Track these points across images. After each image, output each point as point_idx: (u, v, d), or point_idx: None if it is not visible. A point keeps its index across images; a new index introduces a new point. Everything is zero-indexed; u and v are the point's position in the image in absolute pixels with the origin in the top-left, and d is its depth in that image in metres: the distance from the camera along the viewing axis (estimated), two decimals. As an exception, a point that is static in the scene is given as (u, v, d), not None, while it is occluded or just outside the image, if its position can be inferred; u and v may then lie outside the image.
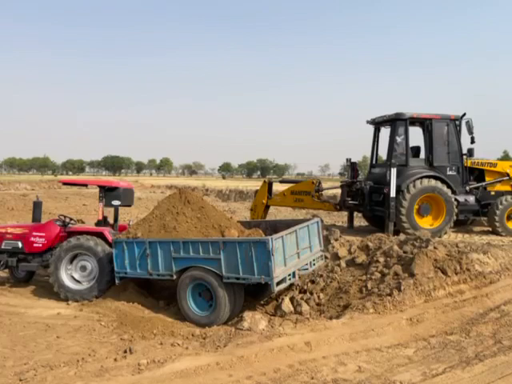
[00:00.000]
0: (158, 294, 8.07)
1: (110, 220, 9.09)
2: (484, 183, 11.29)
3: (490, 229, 11.07)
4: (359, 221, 13.99)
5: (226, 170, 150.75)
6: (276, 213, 19.98)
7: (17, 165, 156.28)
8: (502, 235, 10.60)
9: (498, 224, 10.74)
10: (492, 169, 11.51)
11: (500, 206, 10.71)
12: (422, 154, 11.20)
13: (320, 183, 11.55)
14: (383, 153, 11.83)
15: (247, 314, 6.48)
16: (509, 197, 10.91)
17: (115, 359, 5.27)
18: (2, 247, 8.59)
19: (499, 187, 11.41)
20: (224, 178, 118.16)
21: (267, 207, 12.10)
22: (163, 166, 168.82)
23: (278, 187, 13.28)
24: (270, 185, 12.09)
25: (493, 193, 11.28)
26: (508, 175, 11.37)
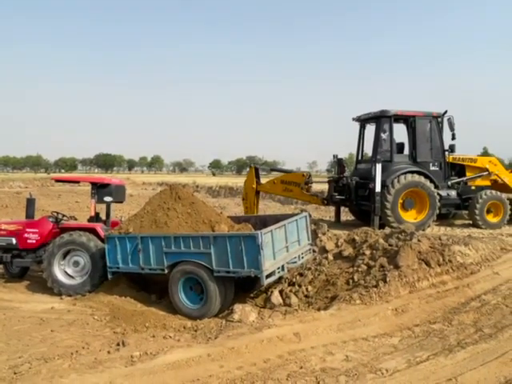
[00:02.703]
0: (150, 288, 8.04)
1: (103, 216, 9.05)
2: (465, 178, 11.42)
3: (471, 222, 11.21)
4: (346, 215, 14.06)
5: (215, 167, 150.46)
6: (265, 208, 20.00)
7: (10, 163, 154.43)
8: (482, 228, 10.73)
9: (478, 217, 10.88)
10: (472, 164, 11.65)
11: (480, 200, 10.84)
12: (406, 150, 11.26)
13: (310, 176, 11.57)
14: (368, 149, 11.93)
15: (237, 307, 6.48)
16: (488, 191, 11.05)
17: (108, 352, 5.25)
18: None
19: (479, 182, 11.55)
20: (214, 174, 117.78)
21: (257, 193, 12.02)
22: (154, 164, 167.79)
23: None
24: (256, 170, 11.98)
25: (473, 187, 11.42)
26: (487, 170, 11.52)
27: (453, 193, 11.09)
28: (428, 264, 7.23)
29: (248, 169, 12.46)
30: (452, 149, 11.12)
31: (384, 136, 11.05)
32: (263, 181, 12.33)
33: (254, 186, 11.77)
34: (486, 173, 11.53)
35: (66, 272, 8.04)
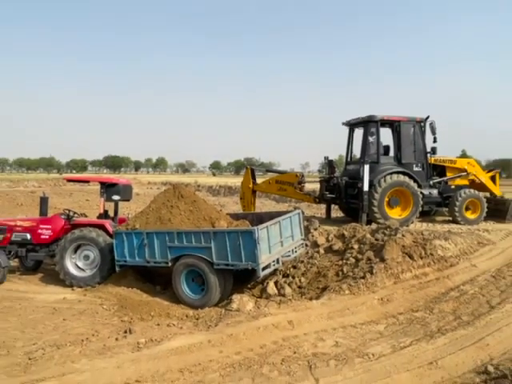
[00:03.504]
0: (155, 279, 8.03)
1: (111, 213, 9.03)
2: (445, 178, 11.44)
3: (451, 218, 11.22)
4: (336, 212, 14.06)
5: (216, 167, 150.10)
6: (261, 206, 20.00)
7: (25, 164, 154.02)
8: (460, 224, 10.75)
9: (457, 214, 10.90)
10: (452, 165, 11.67)
11: (459, 198, 10.87)
12: (392, 153, 11.26)
13: (303, 176, 11.55)
14: (357, 151, 11.91)
15: (236, 297, 6.49)
16: (467, 190, 11.07)
17: (116, 339, 5.27)
18: (13, 239, 8.53)
19: (458, 182, 11.57)
20: (214, 175, 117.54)
21: (254, 192, 11.97)
22: (159, 165, 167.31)
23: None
24: (252, 171, 11.95)
25: (453, 186, 11.44)
26: (466, 171, 11.55)
27: (434, 191, 11.11)
28: (411, 257, 7.26)
29: (245, 169, 12.38)
30: (433, 151, 11.13)
31: (371, 139, 11.04)
32: (259, 181, 12.31)
33: (251, 185, 11.74)
34: (465, 173, 11.55)
35: (77, 265, 8.04)
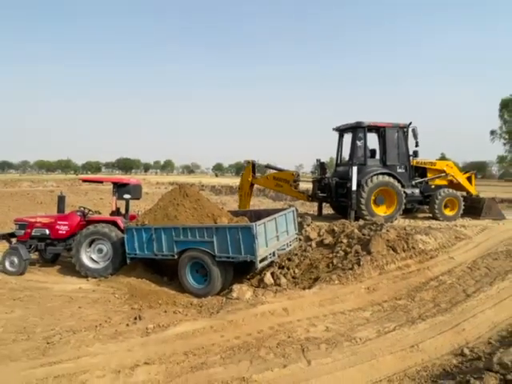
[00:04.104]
0: (163, 271, 8.03)
1: (122, 211, 9.00)
2: (426, 179, 11.45)
3: (431, 215, 11.24)
4: (327, 209, 14.07)
5: (218, 169, 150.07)
6: (259, 204, 19.99)
7: (45, 166, 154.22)
8: (440, 220, 10.77)
9: (437, 211, 10.92)
10: (432, 167, 11.68)
11: (439, 197, 10.89)
12: (378, 155, 11.27)
13: (298, 176, 11.55)
14: (346, 154, 11.91)
15: (236, 286, 6.49)
16: (445, 189, 11.10)
17: (127, 324, 5.28)
18: (33, 234, 8.53)
19: (438, 182, 11.59)
20: (217, 176, 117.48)
21: (252, 185, 11.92)
22: (166, 167, 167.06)
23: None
24: (253, 166, 11.88)
25: (433, 186, 11.45)
26: (445, 172, 11.57)
27: (416, 191, 11.12)
28: (395, 250, 7.27)
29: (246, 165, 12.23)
30: (415, 154, 11.14)
31: (359, 143, 11.03)
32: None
33: (250, 179, 11.71)
34: (444, 174, 11.57)
35: (91, 258, 8.03)
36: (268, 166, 12.41)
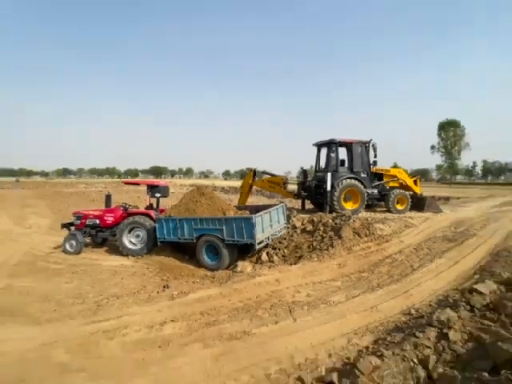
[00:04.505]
0: (185, 251, 8.02)
1: (154, 206, 8.98)
2: (382, 182, 11.43)
3: (386, 209, 11.24)
4: (308, 205, 14.05)
5: (227, 174, 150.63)
6: (257, 201, 19.94)
7: (96, 172, 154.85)
8: (393, 213, 10.76)
9: (391, 206, 10.91)
10: (387, 173, 11.65)
11: (392, 195, 10.89)
12: (346, 164, 11.24)
13: (287, 180, 11.59)
14: (323, 163, 11.89)
15: (240, 263, 6.51)
16: (397, 190, 11.10)
17: (158, 292, 5.26)
18: (87, 223, 8.52)
19: (391, 184, 11.56)
20: (225, 179, 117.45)
21: (251, 187, 11.82)
22: (187, 172, 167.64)
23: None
24: (254, 172, 11.74)
25: (388, 187, 11.43)
26: (396, 177, 11.57)
27: (375, 191, 11.10)
28: (359, 235, 7.28)
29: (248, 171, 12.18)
30: (375, 163, 11.10)
31: (332, 155, 10.99)
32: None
33: (250, 181, 11.66)
34: (396, 178, 11.54)
35: (130, 241, 7.99)
36: (264, 172, 12.36)
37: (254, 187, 12.48)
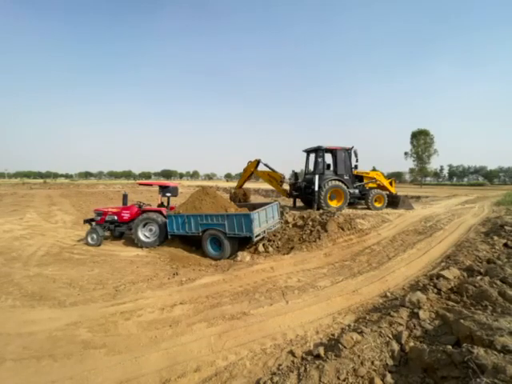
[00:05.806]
0: (192, 243, 8.01)
1: (165, 204, 8.95)
2: (363, 183, 11.49)
3: (366, 207, 11.30)
4: (299, 203, 14.08)
5: (228, 176, 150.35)
6: (254, 199, 19.91)
7: (114, 174, 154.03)
8: (372, 210, 10.81)
9: (370, 204, 10.96)
10: (367, 175, 11.70)
11: (371, 195, 10.94)
12: (331, 168, 11.28)
13: (284, 177, 11.49)
14: (311, 167, 11.91)
15: (240, 253, 6.48)
16: (375, 190, 11.15)
17: (168, 278, 5.25)
18: (106, 219, 8.45)
19: (371, 185, 11.62)
20: (227, 181, 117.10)
21: (251, 174, 11.59)
22: (194, 175, 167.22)
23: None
24: (258, 162, 11.45)
25: (367, 188, 11.49)
26: (375, 179, 11.63)
27: (356, 191, 11.15)
28: (343, 229, 7.31)
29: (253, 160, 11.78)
30: (356, 167, 11.16)
31: (320, 160, 11.05)
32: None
33: (252, 169, 11.45)
34: (374, 180, 11.63)
35: (144, 235, 7.95)
36: (266, 165, 12.23)
37: (254, 188, 12.40)
